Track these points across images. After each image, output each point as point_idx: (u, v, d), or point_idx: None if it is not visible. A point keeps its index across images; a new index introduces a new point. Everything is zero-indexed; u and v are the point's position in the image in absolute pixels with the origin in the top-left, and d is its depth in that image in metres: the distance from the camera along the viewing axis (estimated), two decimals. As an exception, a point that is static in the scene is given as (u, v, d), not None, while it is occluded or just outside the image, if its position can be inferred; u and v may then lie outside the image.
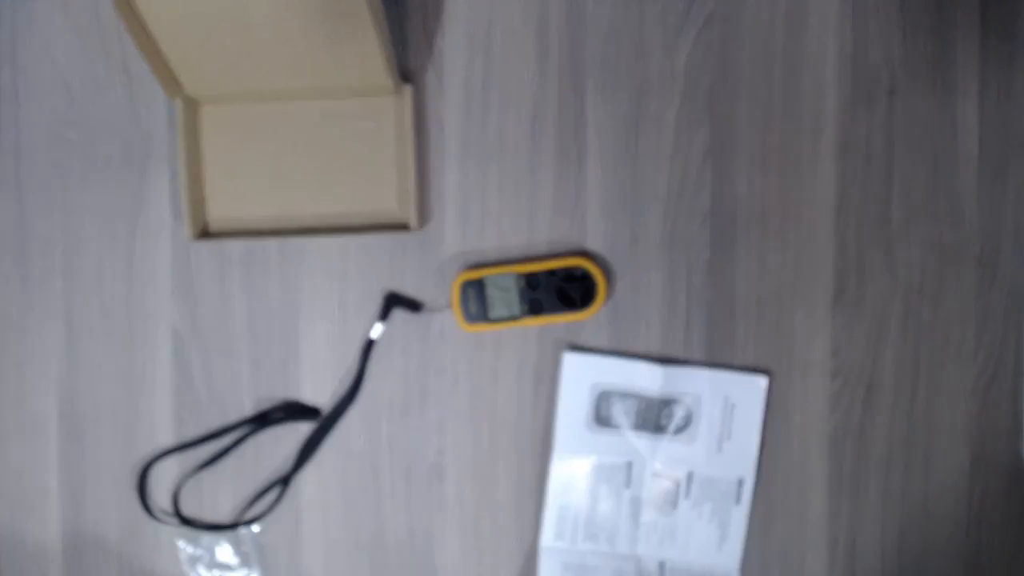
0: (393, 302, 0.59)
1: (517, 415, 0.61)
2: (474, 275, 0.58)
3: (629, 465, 0.60)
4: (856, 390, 0.60)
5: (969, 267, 0.60)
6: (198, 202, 0.59)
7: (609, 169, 0.60)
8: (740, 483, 0.60)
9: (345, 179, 0.60)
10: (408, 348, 0.61)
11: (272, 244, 0.61)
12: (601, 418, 0.60)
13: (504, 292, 0.58)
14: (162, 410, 0.61)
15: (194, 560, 0.61)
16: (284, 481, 0.61)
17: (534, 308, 0.58)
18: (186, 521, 0.60)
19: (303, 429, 0.61)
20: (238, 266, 0.61)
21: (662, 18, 0.59)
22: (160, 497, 0.62)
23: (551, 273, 0.58)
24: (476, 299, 0.58)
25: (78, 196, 0.61)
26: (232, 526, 0.61)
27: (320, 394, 0.61)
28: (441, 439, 0.61)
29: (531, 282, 0.58)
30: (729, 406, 0.59)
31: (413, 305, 0.60)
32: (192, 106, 0.59)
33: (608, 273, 0.60)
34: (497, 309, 0.58)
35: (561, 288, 0.58)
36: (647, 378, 0.59)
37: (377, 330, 0.60)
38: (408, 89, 0.58)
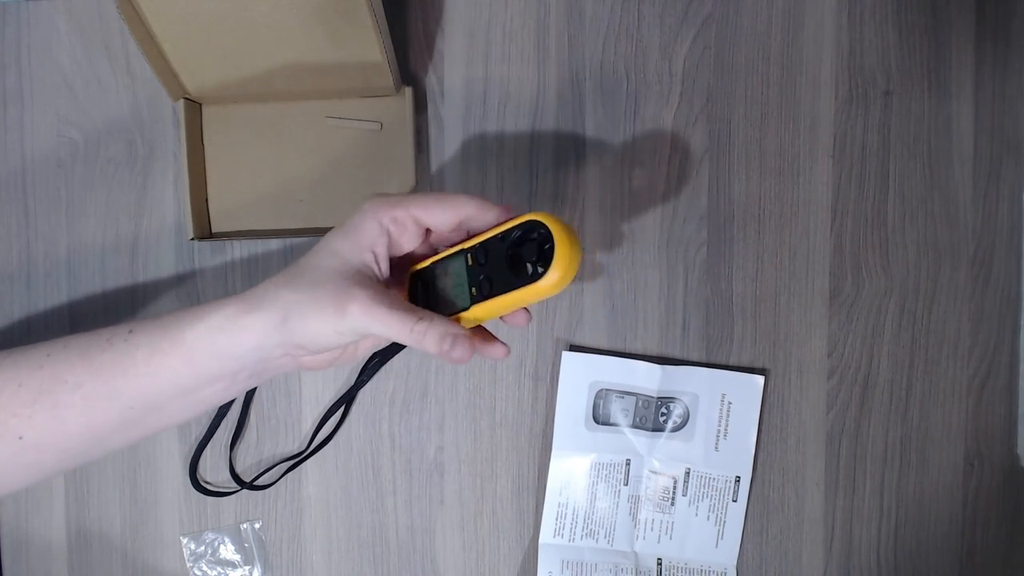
0: None
1: (516, 413, 0.61)
2: (423, 264, 0.46)
3: (627, 463, 0.61)
4: (852, 389, 0.60)
5: (964, 267, 0.60)
6: (201, 202, 0.60)
7: (607, 169, 0.60)
8: (737, 481, 0.60)
9: (346, 180, 0.60)
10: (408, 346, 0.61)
11: (274, 244, 0.61)
12: (600, 416, 0.60)
13: (455, 278, 0.44)
14: (165, 408, 0.62)
15: (197, 557, 0.62)
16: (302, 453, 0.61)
17: (482, 289, 0.42)
18: (245, 484, 0.62)
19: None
20: (240, 266, 0.61)
21: (660, 20, 0.60)
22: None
23: (500, 239, 0.42)
24: (425, 293, 0.45)
25: (82, 196, 0.61)
26: (252, 487, 0.62)
27: (322, 391, 0.62)
28: (441, 437, 0.62)
29: (478, 257, 0.43)
30: (726, 405, 0.60)
31: None
32: (194, 107, 0.59)
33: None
34: (445, 302, 0.44)
35: (514, 255, 0.41)
36: (645, 377, 0.60)
37: None
38: (408, 90, 0.58)
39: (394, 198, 0.43)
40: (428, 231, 0.45)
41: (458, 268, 0.43)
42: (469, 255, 0.43)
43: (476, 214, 0.43)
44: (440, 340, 0.41)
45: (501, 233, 0.42)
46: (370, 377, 0.61)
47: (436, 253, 0.46)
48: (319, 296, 0.41)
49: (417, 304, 0.44)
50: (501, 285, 0.41)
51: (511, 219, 0.42)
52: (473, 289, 0.42)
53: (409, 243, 0.44)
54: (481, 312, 0.42)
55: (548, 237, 0.40)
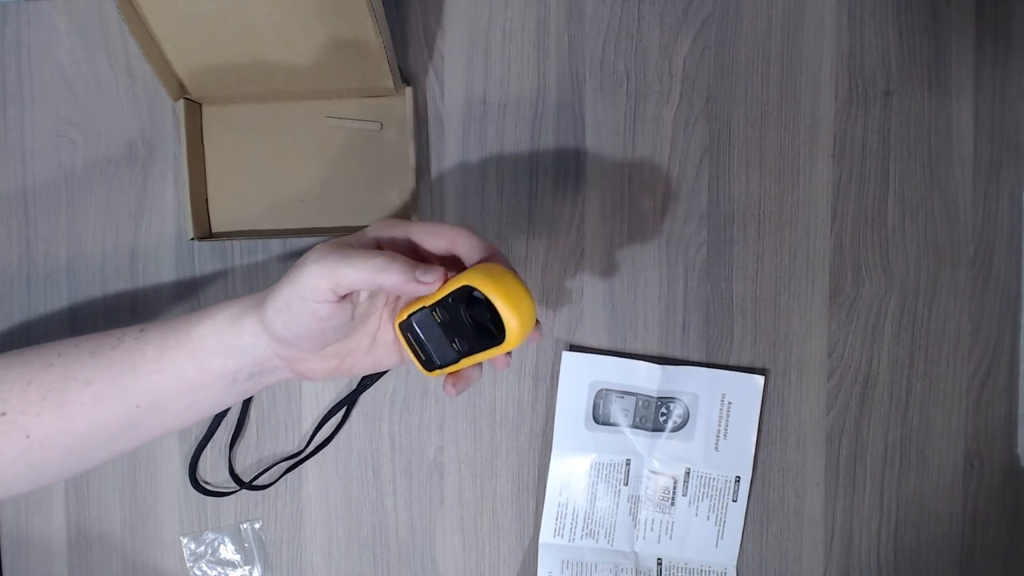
0: None
1: (516, 413, 0.61)
2: (401, 317, 0.45)
3: (627, 463, 0.61)
4: (852, 389, 0.60)
5: (964, 267, 0.60)
6: (201, 202, 0.60)
7: (607, 169, 0.60)
8: (737, 481, 0.60)
9: (346, 180, 0.60)
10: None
11: (274, 244, 0.61)
12: (600, 416, 0.60)
13: (435, 330, 0.44)
14: (165, 408, 0.62)
15: (197, 557, 0.62)
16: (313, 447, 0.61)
17: (460, 347, 0.43)
18: (244, 484, 0.61)
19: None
20: (241, 266, 0.61)
21: (660, 20, 0.60)
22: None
23: (451, 300, 0.41)
24: (419, 342, 0.44)
25: (82, 196, 0.61)
26: (255, 487, 0.62)
27: (321, 392, 0.62)
28: (441, 437, 0.62)
29: (443, 315, 0.43)
30: (726, 405, 0.60)
31: None
32: (194, 107, 0.59)
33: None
34: (440, 352, 0.44)
35: (472, 317, 0.42)
36: (645, 377, 0.60)
37: None
38: (408, 90, 0.58)
39: (395, 221, 0.43)
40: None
41: (431, 322, 0.43)
42: (434, 312, 0.43)
43: (466, 248, 0.42)
44: (405, 269, 0.40)
45: (449, 295, 0.41)
46: (373, 382, 0.61)
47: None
48: (288, 272, 0.41)
49: (417, 352, 0.45)
50: (475, 344, 0.42)
51: (456, 277, 0.41)
52: (455, 343, 0.43)
53: None
54: (468, 363, 0.44)
55: (489, 302, 0.40)
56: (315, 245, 0.43)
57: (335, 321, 0.41)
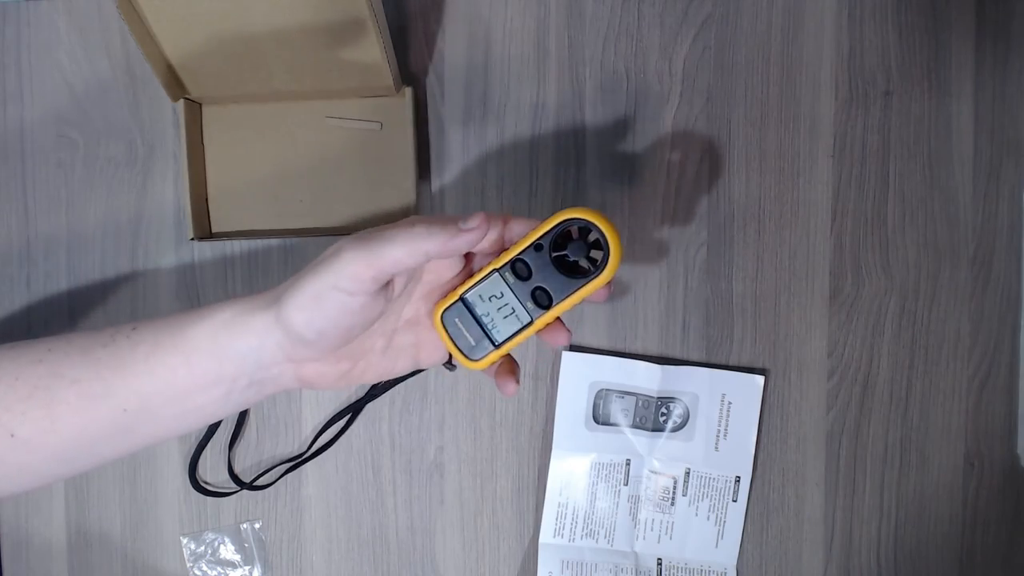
0: None
1: (516, 413, 0.61)
2: (450, 299, 0.43)
3: (627, 463, 0.61)
4: (852, 389, 0.61)
5: (964, 267, 0.60)
6: (200, 203, 0.60)
7: (607, 169, 0.60)
8: (737, 481, 0.60)
9: (346, 180, 0.60)
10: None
11: (274, 244, 0.61)
12: (600, 416, 0.60)
13: (498, 300, 0.42)
14: (165, 408, 0.62)
15: (197, 557, 0.62)
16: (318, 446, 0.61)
17: (541, 301, 0.41)
18: (244, 484, 0.61)
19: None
20: (240, 266, 0.61)
21: (660, 20, 0.60)
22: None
23: (536, 248, 0.41)
24: (469, 325, 0.43)
25: (82, 196, 0.61)
26: (255, 487, 0.61)
27: (321, 392, 0.62)
28: (441, 437, 0.62)
29: (519, 271, 0.41)
30: (726, 405, 0.60)
31: None
32: (194, 107, 0.59)
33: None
34: (501, 327, 0.42)
35: (559, 259, 0.41)
36: (645, 377, 0.60)
37: None
38: (408, 90, 0.58)
39: (430, 218, 0.41)
40: (470, 255, 0.44)
41: (496, 290, 0.42)
42: (505, 273, 0.41)
43: (521, 228, 0.42)
44: (447, 225, 0.38)
45: (535, 242, 0.41)
46: (384, 391, 0.61)
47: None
48: (313, 264, 0.39)
49: (464, 340, 0.43)
50: (561, 291, 0.41)
51: (539, 225, 0.41)
52: (529, 304, 0.41)
53: (450, 271, 0.43)
54: (542, 323, 0.42)
55: (588, 230, 0.40)
56: (339, 241, 0.40)
57: (366, 315, 0.40)
